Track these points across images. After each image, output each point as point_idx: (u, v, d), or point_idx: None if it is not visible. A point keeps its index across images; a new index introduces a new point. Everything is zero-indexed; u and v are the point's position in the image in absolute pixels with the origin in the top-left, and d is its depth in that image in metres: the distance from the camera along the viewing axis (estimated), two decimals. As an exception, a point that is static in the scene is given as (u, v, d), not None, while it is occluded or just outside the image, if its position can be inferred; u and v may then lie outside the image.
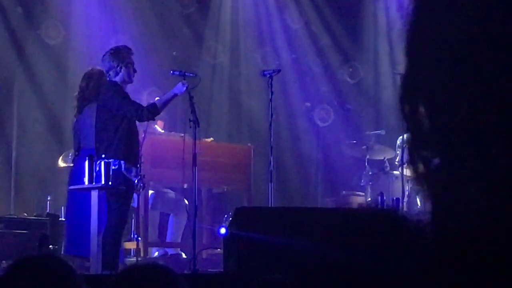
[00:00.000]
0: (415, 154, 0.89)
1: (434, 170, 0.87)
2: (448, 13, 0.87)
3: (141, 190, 7.40)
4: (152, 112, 7.19)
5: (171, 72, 8.27)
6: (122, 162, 6.96)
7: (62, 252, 7.78)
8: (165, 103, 7.36)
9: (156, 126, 9.53)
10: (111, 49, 7.34)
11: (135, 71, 7.28)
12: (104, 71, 7.28)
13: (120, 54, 7.20)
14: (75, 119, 7.78)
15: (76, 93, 7.71)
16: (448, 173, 0.86)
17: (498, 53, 0.83)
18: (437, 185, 0.87)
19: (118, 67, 7.15)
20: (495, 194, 0.81)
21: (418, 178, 0.89)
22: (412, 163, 0.90)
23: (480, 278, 0.81)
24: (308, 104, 11.23)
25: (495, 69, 0.83)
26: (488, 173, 0.82)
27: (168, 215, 9.62)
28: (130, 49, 7.34)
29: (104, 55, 7.28)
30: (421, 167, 0.89)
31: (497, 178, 0.82)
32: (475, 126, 0.84)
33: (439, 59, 0.87)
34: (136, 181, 7.03)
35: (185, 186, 8.81)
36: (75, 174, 7.39)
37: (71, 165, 10.39)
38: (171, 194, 9.60)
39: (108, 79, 7.22)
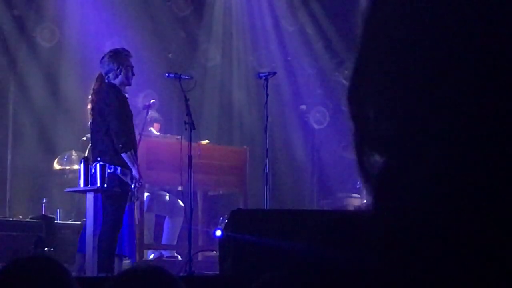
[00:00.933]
0: (361, 154, 0.91)
1: (379, 170, 0.89)
2: (399, 14, 0.88)
3: (135, 200, 7.38)
4: (129, 153, 7.00)
5: (167, 74, 8.28)
6: (118, 167, 6.94)
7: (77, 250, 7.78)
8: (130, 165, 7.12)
9: (151, 128, 9.54)
10: (110, 51, 7.32)
11: (133, 74, 7.26)
12: (103, 74, 7.24)
13: (120, 57, 7.19)
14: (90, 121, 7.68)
15: (90, 96, 7.60)
16: (393, 173, 0.87)
17: (447, 52, 0.85)
18: (383, 184, 0.88)
19: (118, 70, 7.13)
20: (440, 191, 0.83)
21: (364, 177, 0.91)
22: (359, 163, 0.91)
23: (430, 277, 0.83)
24: (303, 106, 11.25)
25: (444, 69, 0.85)
26: (433, 172, 0.84)
27: (164, 217, 9.61)
28: (128, 51, 7.33)
29: (103, 57, 7.26)
30: (367, 167, 0.90)
31: (443, 176, 0.83)
32: (420, 126, 0.85)
33: (386, 59, 0.88)
34: (132, 186, 7.01)
35: (180, 188, 8.80)
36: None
37: (67, 167, 10.41)
38: (167, 196, 9.60)
39: (107, 81, 7.19)
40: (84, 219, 8.53)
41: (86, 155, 8.10)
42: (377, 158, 0.90)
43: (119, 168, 6.93)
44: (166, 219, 9.57)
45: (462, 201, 0.82)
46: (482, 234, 0.81)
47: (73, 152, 10.42)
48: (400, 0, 0.89)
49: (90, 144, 7.79)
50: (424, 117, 0.85)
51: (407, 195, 0.85)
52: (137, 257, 8.73)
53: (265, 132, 8.35)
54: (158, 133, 9.81)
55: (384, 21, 0.90)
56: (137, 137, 7.62)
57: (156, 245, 9.54)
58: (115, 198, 6.94)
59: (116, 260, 7.17)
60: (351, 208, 10.19)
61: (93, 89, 7.49)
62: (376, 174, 0.89)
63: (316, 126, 11.87)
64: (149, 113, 9.12)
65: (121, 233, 7.17)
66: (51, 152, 10.78)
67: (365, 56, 0.92)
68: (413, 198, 0.84)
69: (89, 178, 6.88)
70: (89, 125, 7.67)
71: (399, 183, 0.86)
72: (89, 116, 7.58)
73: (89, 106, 7.58)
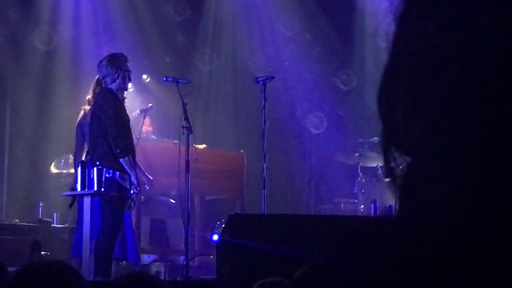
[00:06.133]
0: (389, 153, 0.91)
1: (405, 171, 0.89)
2: (431, 15, 0.88)
3: (134, 207, 7.37)
4: (127, 158, 6.99)
5: (164, 78, 8.27)
6: (117, 171, 6.93)
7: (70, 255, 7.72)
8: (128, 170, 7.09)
9: (146, 127, 9.52)
10: (109, 56, 7.30)
11: (130, 79, 7.26)
12: (100, 78, 7.23)
13: (118, 62, 7.17)
14: (83, 122, 7.63)
15: (89, 97, 7.54)
16: (419, 172, 0.87)
17: (475, 56, 0.85)
18: (408, 184, 0.88)
19: (116, 74, 7.11)
20: (465, 194, 0.83)
21: (390, 178, 0.91)
22: (385, 163, 0.91)
23: (448, 279, 0.82)
24: (299, 111, 11.26)
25: (472, 73, 0.85)
26: (460, 173, 0.84)
27: (163, 221, 9.61)
28: (126, 57, 7.31)
29: (100, 61, 7.24)
30: (394, 166, 0.90)
31: (468, 178, 0.83)
32: (448, 127, 0.85)
33: (418, 59, 0.89)
34: (131, 192, 7.00)
35: (174, 192, 8.80)
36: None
37: (64, 171, 10.40)
38: (164, 200, 9.59)
39: (103, 85, 7.18)
40: (75, 224, 8.52)
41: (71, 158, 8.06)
42: (404, 158, 0.90)
43: (118, 173, 6.92)
44: (167, 222, 9.58)
45: (487, 205, 0.82)
46: (507, 239, 0.81)
47: (70, 155, 10.40)
48: (432, 2, 0.89)
49: (75, 148, 7.77)
50: (452, 118, 0.85)
51: (432, 196, 0.85)
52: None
53: (263, 136, 8.35)
54: (155, 137, 9.81)
55: (416, 22, 0.90)
56: (135, 142, 7.62)
57: (151, 249, 9.53)
58: (113, 202, 6.93)
59: (114, 263, 7.15)
60: (348, 213, 10.18)
61: (93, 91, 7.41)
62: (402, 175, 0.89)
63: (313, 131, 11.87)
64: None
65: (125, 238, 7.15)
66: (48, 156, 10.76)
67: (396, 57, 0.92)
68: (439, 199, 0.84)
69: (86, 182, 6.86)
70: (80, 126, 7.60)
71: (425, 184, 0.86)
72: (87, 117, 7.52)
73: (88, 107, 7.51)
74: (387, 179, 0.92)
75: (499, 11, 0.84)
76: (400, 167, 0.90)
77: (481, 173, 0.82)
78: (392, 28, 0.92)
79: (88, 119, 7.46)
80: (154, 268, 8.98)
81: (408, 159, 0.89)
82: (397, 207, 0.89)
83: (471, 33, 0.85)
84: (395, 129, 0.90)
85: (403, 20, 0.91)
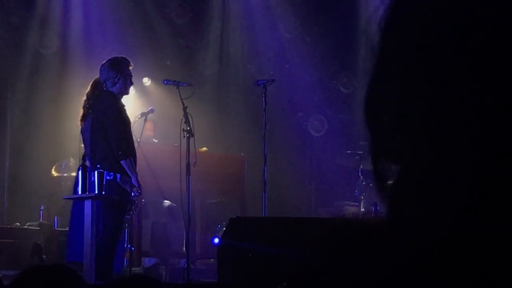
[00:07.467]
0: (378, 162, 0.91)
1: (394, 179, 0.89)
2: (418, 29, 0.88)
3: (135, 211, 7.38)
4: (128, 160, 6.98)
5: (165, 81, 8.28)
6: (117, 174, 6.93)
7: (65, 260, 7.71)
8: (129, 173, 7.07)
9: (148, 132, 9.52)
10: (111, 59, 7.30)
11: (131, 83, 7.26)
12: (101, 80, 7.22)
13: (119, 65, 7.17)
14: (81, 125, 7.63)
15: (83, 101, 7.53)
16: (409, 180, 0.88)
17: (463, 64, 0.85)
18: (398, 192, 0.89)
19: (116, 78, 7.11)
20: (454, 201, 0.83)
21: (379, 186, 0.91)
22: (374, 171, 0.91)
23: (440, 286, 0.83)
24: (300, 114, 11.25)
25: (460, 81, 0.85)
26: (449, 181, 0.84)
27: (164, 224, 9.61)
28: (129, 60, 7.31)
29: (102, 64, 7.24)
30: (382, 176, 0.90)
31: (457, 186, 0.83)
32: (436, 135, 0.85)
33: (405, 69, 0.89)
34: (132, 194, 7.00)
35: (175, 195, 8.80)
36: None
37: (65, 174, 10.40)
38: (165, 203, 9.59)
39: (104, 89, 7.18)
40: (68, 227, 8.52)
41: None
42: (393, 167, 0.90)
43: (118, 175, 6.92)
44: (168, 225, 9.58)
45: (477, 212, 0.82)
46: (494, 244, 0.81)
47: (71, 159, 10.41)
48: (419, 10, 0.89)
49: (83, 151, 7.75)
50: (441, 126, 0.85)
51: (422, 203, 0.85)
52: (135, 264, 8.72)
53: (263, 139, 8.35)
54: (156, 140, 9.81)
55: (402, 31, 0.90)
56: (136, 145, 7.61)
57: (153, 252, 9.53)
58: (114, 206, 6.92)
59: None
60: (349, 216, 10.18)
61: (86, 95, 7.43)
62: (391, 184, 0.90)
63: (314, 134, 11.87)
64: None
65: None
66: (49, 159, 10.76)
67: (382, 67, 0.92)
68: (428, 207, 0.84)
69: (87, 185, 6.86)
70: (80, 131, 7.56)
71: (414, 192, 0.87)
72: (79, 122, 7.48)
73: (80, 112, 7.49)
74: (376, 186, 0.92)
75: (485, 20, 0.84)
76: (389, 175, 0.90)
77: (470, 180, 0.83)
78: (377, 37, 0.92)
79: (80, 124, 7.46)
80: (155, 271, 8.97)
81: (397, 167, 0.89)
82: (387, 215, 0.89)
83: (458, 41, 0.85)
84: (383, 137, 0.90)
85: (388, 30, 0.91)
